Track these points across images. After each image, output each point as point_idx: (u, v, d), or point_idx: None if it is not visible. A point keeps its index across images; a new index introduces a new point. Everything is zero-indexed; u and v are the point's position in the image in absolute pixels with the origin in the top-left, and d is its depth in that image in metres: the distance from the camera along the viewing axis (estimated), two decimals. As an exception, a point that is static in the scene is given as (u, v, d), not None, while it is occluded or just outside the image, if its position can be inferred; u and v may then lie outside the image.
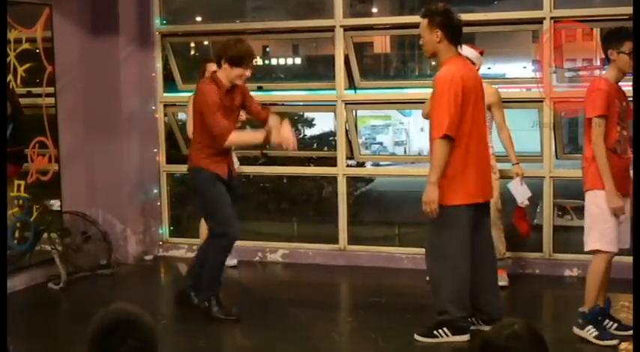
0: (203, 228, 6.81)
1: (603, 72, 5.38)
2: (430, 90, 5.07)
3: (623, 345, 4.80)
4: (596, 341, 4.83)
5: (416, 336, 5.04)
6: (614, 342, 4.82)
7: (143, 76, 7.47)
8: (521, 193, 6.11)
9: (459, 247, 4.91)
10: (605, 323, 4.99)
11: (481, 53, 6.11)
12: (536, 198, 6.55)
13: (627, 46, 4.82)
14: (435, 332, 5.00)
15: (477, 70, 6.16)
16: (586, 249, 4.90)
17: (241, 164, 7.08)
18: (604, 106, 4.79)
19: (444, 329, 4.97)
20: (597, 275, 4.84)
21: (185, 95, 7.20)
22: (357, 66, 7.29)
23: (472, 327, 5.03)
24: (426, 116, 5.48)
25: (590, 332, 4.85)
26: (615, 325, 5.01)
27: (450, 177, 4.82)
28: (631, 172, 4.87)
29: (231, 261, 6.59)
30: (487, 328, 4.87)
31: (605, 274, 4.93)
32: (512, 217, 6.31)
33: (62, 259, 6.61)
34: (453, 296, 4.96)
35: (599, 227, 4.81)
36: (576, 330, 4.94)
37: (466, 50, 5.99)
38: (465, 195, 4.87)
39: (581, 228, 4.97)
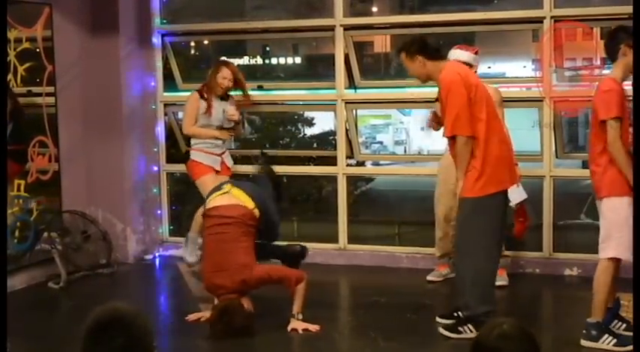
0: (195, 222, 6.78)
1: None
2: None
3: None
4: (617, 348, 4.68)
5: (441, 329, 5.07)
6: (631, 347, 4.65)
7: (143, 75, 7.47)
8: (516, 195, 6.09)
9: (492, 238, 4.98)
10: (613, 324, 4.93)
11: (475, 53, 6.09)
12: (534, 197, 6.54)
13: None
14: (459, 328, 5.02)
15: (475, 71, 6.17)
16: (602, 256, 4.72)
17: (241, 164, 7.06)
18: (619, 108, 4.58)
19: (469, 325, 4.98)
20: (607, 282, 4.70)
21: (185, 94, 7.20)
22: (357, 65, 7.28)
23: None
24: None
25: (607, 342, 4.70)
26: (624, 325, 4.93)
27: (481, 168, 4.90)
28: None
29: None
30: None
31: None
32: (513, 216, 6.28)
33: (62, 258, 6.61)
34: (478, 292, 4.97)
35: (617, 235, 4.63)
36: (587, 343, 4.74)
37: (460, 54, 5.98)
38: (497, 182, 4.97)
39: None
